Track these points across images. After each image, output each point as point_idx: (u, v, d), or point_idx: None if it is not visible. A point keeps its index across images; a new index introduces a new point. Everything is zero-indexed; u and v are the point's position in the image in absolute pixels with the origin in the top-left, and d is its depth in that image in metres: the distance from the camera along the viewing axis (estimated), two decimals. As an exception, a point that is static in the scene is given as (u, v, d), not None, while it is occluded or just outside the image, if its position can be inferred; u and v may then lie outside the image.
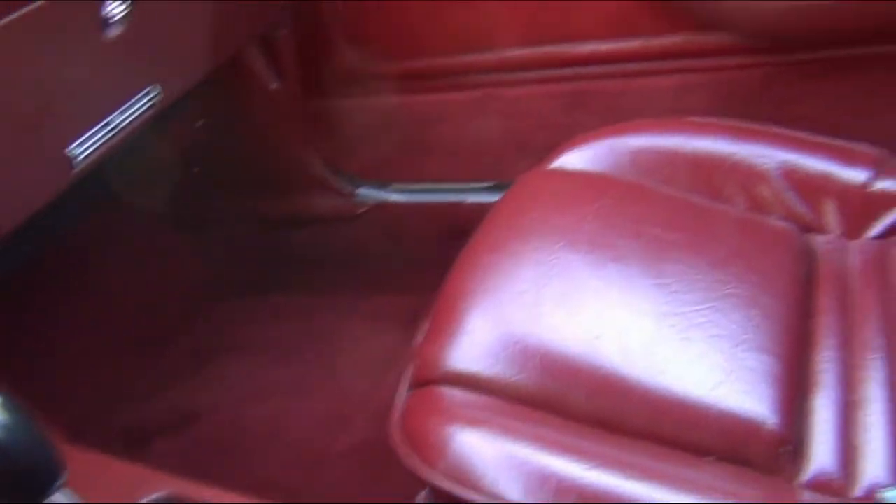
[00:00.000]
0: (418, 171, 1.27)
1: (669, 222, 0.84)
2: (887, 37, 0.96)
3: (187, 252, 1.35)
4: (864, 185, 0.88)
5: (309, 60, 1.23)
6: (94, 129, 0.83)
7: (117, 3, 0.82)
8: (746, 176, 0.91)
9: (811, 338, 0.75)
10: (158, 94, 0.92)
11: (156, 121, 0.95)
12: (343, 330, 1.25)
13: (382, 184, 1.30)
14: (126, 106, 0.87)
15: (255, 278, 1.35)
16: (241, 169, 1.31)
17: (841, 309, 0.78)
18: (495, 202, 0.93)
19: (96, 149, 0.83)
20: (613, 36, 1.08)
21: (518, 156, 1.15)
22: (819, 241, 0.87)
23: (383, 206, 1.29)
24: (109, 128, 0.85)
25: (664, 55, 1.07)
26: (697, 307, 0.74)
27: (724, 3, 1.00)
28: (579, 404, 0.69)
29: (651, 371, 0.70)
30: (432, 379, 0.73)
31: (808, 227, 0.88)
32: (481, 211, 0.91)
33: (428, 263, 0.91)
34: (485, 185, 1.23)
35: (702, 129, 0.96)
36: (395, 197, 1.29)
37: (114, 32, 0.83)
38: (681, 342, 0.72)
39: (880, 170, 0.88)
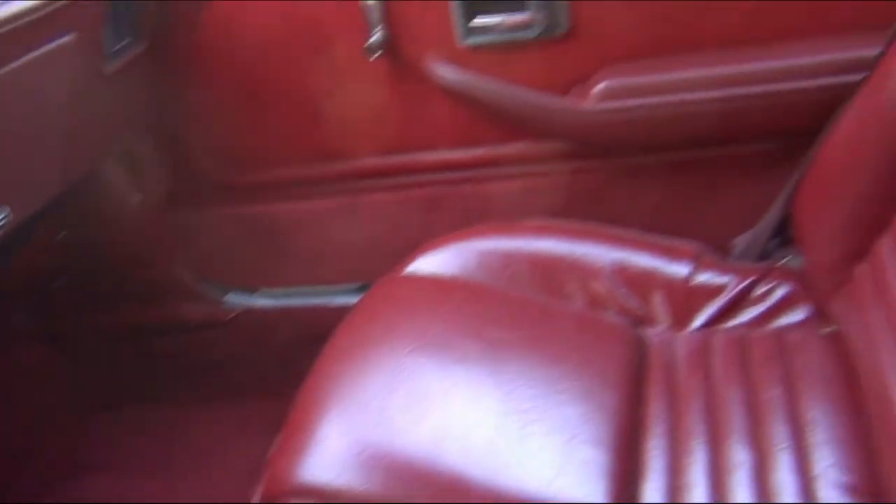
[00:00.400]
0: (285, 276, 1.29)
1: (511, 322, 0.89)
2: (701, 144, 1.07)
3: (53, 365, 1.32)
4: (687, 280, 0.96)
5: (173, 172, 1.25)
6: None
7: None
8: (583, 274, 0.98)
9: (641, 427, 0.80)
10: (6, 215, 0.92)
11: (9, 238, 0.94)
12: (212, 439, 1.24)
13: (250, 290, 1.31)
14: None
15: (123, 390, 1.33)
16: (105, 280, 1.30)
17: (668, 397, 0.84)
18: (351, 309, 0.96)
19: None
20: (462, 145, 1.15)
21: (380, 258, 1.19)
22: (649, 333, 0.94)
23: (251, 312, 1.30)
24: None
25: (509, 161, 1.15)
26: (535, 403, 0.79)
27: (559, 112, 1.09)
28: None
29: (491, 470, 0.73)
30: (283, 492, 0.74)
31: (640, 321, 0.95)
32: (347, 313, 0.95)
33: (296, 367, 0.92)
34: (350, 287, 1.27)
35: (542, 232, 1.03)
36: (262, 302, 1.31)
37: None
38: (519, 439, 0.76)
39: (699, 264, 0.97)
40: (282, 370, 1.23)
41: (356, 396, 0.80)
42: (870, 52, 0.85)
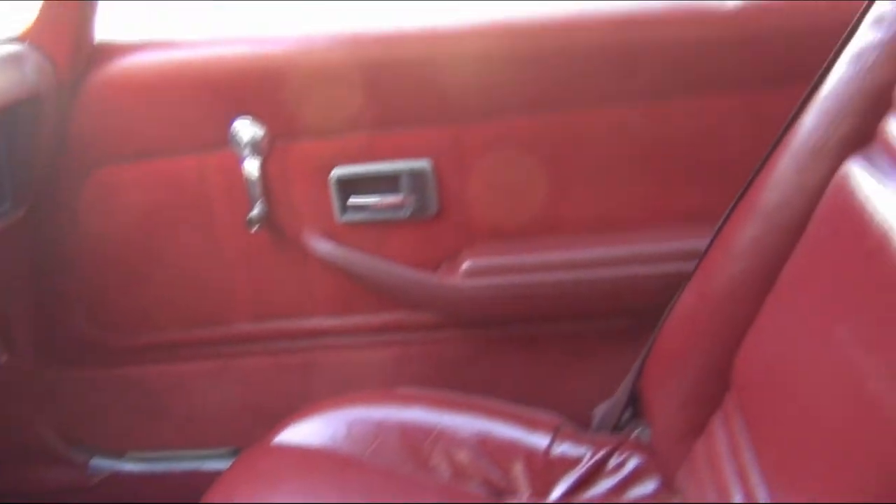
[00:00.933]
0: (155, 438, 1.26)
1: (372, 494, 0.90)
2: (559, 319, 1.14)
3: None
4: (546, 451, 1.00)
5: (43, 331, 1.23)
6: None
7: None
8: (448, 445, 1.00)
9: None
10: None
11: None
12: None
13: (118, 453, 1.27)
14: None
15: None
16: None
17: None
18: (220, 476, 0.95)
19: None
20: (336, 313, 1.19)
21: (253, 422, 1.18)
22: (510, 501, 0.96)
23: (117, 477, 1.26)
24: None
25: (381, 330, 1.19)
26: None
27: (429, 286, 1.15)
28: None
29: None
30: None
31: (501, 492, 0.97)
32: (217, 478, 0.93)
33: None
34: (221, 451, 1.25)
35: (411, 401, 1.05)
36: (129, 467, 1.27)
37: None
38: None
39: (558, 435, 1.01)
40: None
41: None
42: (701, 242, 0.95)
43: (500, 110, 1.08)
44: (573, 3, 1.08)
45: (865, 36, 0.79)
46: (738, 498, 0.78)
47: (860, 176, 0.71)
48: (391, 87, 1.08)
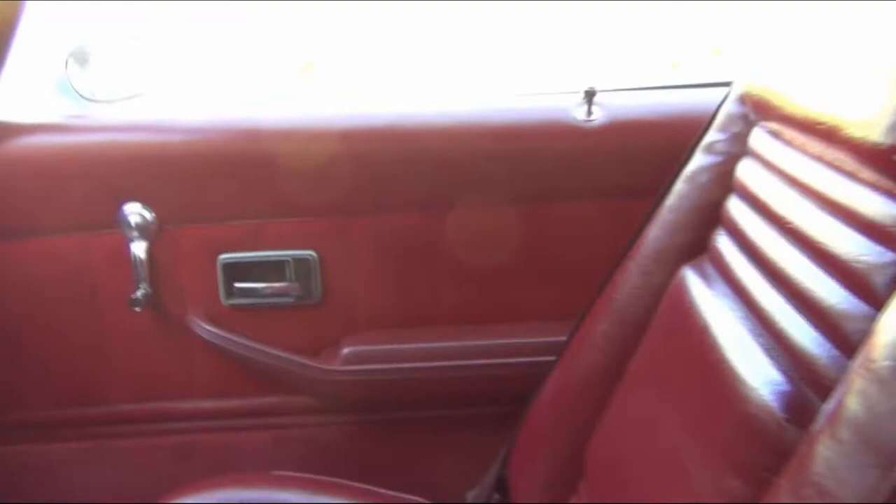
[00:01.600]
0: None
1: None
2: (434, 406, 1.19)
3: None
4: (416, 536, 1.03)
5: None
6: None
7: None
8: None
9: None
10: None
11: None
12: None
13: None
14: None
15: None
16: None
17: None
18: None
19: None
20: (216, 395, 1.20)
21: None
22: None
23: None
24: None
25: (261, 413, 1.21)
26: None
27: (309, 371, 1.18)
28: None
29: None
30: None
31: (371, 574, 0.99)
32: None
33: None
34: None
35: (285, 484, 1.07)
36: (-10, 553, 1.21)
37: None
38: None
39: (425, 521, 1.04)
40: None
41: None
42: (562, 337, 1.02)
43: (385, 207, 1.15)
44: (462, 107, 1.17)
45: (699, 159, 0.90)
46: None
47: (692, 281, 0.81)
48: (281, 179, 1.13)
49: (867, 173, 0.58)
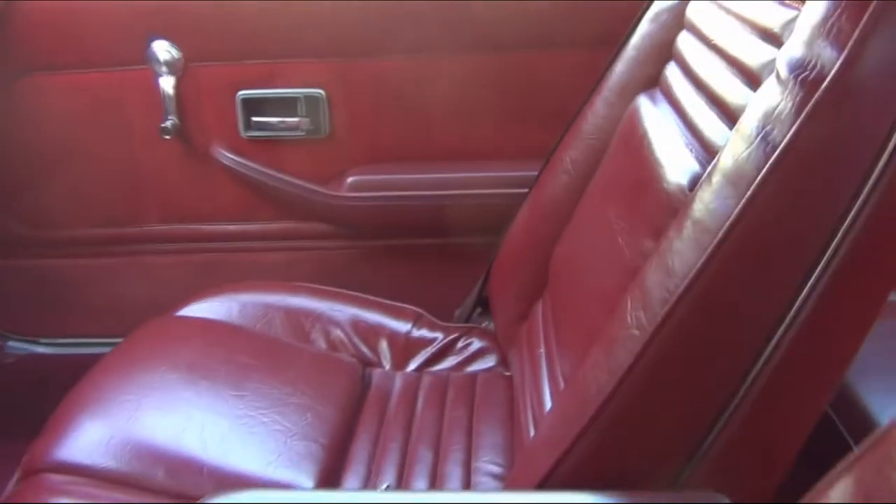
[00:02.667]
0: (66, 327, 1.40)
1: (258, 354, 1.07)
2: (426, 233, 1.33)
3: None
4: (407, 334, 1.20)
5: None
6: None
7: None
8: (326, 325, 1.18)
9: (351, 435, 1.00)
10: None
11: None
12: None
13: (32, 338, 1.41)
14: None
15: None
16: None
17: (379, 417, 1.04)
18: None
19: None
20: (237, 219, 1.36)
21: (158, 313, 1.34)
22: (374, 372, 1.15)
23: (30, 357, 1.39)
24: None
25: (275, 236, 1.36)
26: (265, 411, 0.96)
27: (318, 197, 1.33)
28: (160, 480, 0.86)
29: (222, 455, 0.90)
30: (39, 469, 0.87)
31: (368, 363, 1.16)
32: None
33: None
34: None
35: (295, 290, 1.23)
36: (41, 349, 1.40)
37: None
38: (248, 435, 0.93)
39: (417, 323, 1.21)
40: (55, 410, 1.33)
41: (111, 399, 0.95)
42: (532, 172, 1.16)
43: (381, 50, 1.27)
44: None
45: (659, 3, 1.01)
46: (543, 369, 0.99)
47: (643, 105, 0.93)
48: (292, 23, 1.25)
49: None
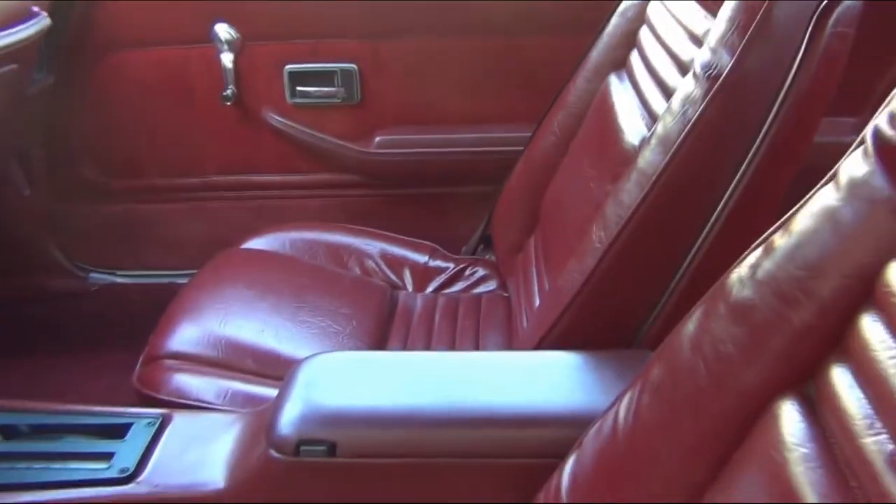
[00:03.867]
0: (141, 261, 1.68)
1: (309, 277, 1.36)
2: (441, 183, 1.61)
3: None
4: (426, 263, 1.48)
5: (58, 173, 1.62)
6: None
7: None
8: (360, 256, 1.46)
9: (386, 340, 1.28)
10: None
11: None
12: (75, 378, 1.58)
13: (111, 270, 1.69)
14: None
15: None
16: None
17: (406, 325, 1.33)
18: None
19: None
20: (283, 172, 1.63)
21: (218, 250, 1.62)
22: (400, 294, 1.43)
23: (111, 287, 1.67)
24: None
25: (315, 186, 1.64)
26: (320, 318, 1.24)
27: (350, 153, 1.60)
28: (249, 365, 1.15)
29: (293, 349, 1.18)
30: (157, 357, 1.15)
31: (394, 287, 1.44)
32: None
33: (140, 328, 1.32)
34: (191, 272, 1.67)
35: (334, 229, 1.51)
36: (120, 280, 1.68)
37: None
38: (310, 335, 1.21)
39: (433, 255, 1.49)
40: (133, 329, 1.61)
41: (205, 308, 1.23)
42: (527, 133, 1.43)
43: (404, 32, 1.53)
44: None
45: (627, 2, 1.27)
46: (534, 285, 1.27)
47: (613, 83, 1.20)
48: (331, 9, 1.51)
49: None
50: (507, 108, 1.57)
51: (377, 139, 1.59)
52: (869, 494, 0.45)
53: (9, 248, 1.61)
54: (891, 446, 0.44)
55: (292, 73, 1.55)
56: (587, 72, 1.31)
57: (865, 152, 0.53)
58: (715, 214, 0.86)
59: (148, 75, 1.55)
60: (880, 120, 0.52)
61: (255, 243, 1.46)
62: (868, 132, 0.53)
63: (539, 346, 0.95)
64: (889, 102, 0.53)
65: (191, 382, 1.10)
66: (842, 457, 0.48)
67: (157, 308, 1.51)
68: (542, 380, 0.86)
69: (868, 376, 0.48)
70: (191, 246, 1.66)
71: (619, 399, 0.68)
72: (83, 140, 1.60)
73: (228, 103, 1.54)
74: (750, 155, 0.82)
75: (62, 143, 1.60)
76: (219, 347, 1.16)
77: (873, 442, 0.45)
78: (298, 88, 1.56)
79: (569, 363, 0.88)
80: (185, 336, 1.18)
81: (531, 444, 0.78)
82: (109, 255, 1.68)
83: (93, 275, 1.68)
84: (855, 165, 0.53)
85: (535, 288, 1.23)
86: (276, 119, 1.58)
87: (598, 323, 0.92)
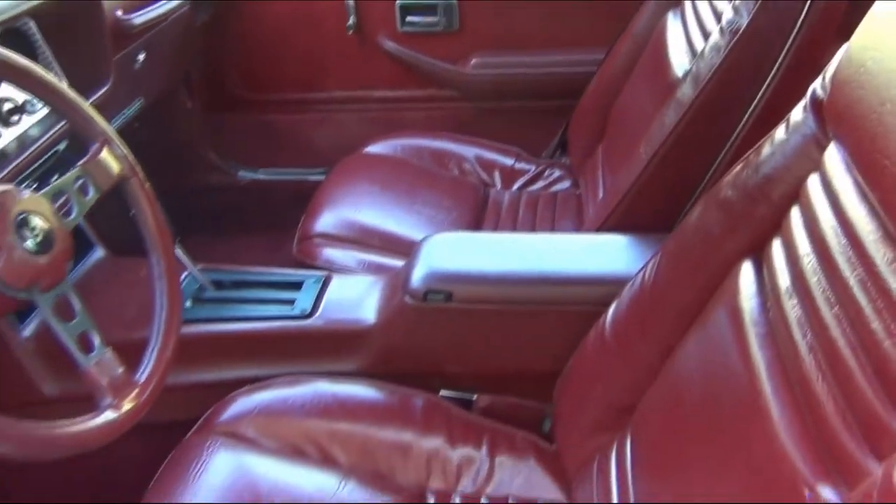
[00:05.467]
0: (279, 161, 2.04)
1: (418, 176, 1.68)
2: (526, 98, 1.89)
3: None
4: (512, 165, 1.78)
5: (211, 87, 1.97)
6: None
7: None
8: (458, 160, 1.78)
9: (480, 226, 1.60)
10: (141, 103, 1.62)
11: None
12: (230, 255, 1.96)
13: (255, 168, 2.05)
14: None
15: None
16: (160, 156, 2.00)
17: (496, 217, 1.65)
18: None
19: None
20: (394, 88, 1.94)
21: (341, 153, 1.95)
22: (492, 191, 1.74)
23: (256, 182, 2.04)
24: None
25: (422, 100, 1.95)
26: (430, 209, 1.57)
27: (451, 73, 1.89)
28: (376, 243, 1.49)
29: (411, 233, 1.51)
30: (309, 236, 1.51)
31: (486, 185, 1.75)
32: (319, 184, 1.71)
33: (285, 215, 1.67)
34: (321, 170, 2.02)
35: (437, 136, 1.82)
36: (262, 176, 2.05)
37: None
38: (420, 221, 1.54)
39: (518, 158, 1.79)
40: (276, 217, 1.98)
41: (338, 198, 1.58)
42: (600, 55, 1.69)
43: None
44: None
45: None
46: (600, 190, 1.56)
47: (670, 21, 1.45)
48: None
49: None
50: (582, 34, 1.82)
51: (473, 61, 1.87)
52: (776, 319, 0.74)
53: (175, 151, 1.99)
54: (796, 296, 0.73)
55: (402, 7, 1.84)
56: (650, 7, 1.56)
57: (805, 104, 0.80)
58: (732, 137, 1.13)
59: (283, 10, 1.87)
60: (816, 82, 0.80)
61: (373, 148, 1.79)
62: (809, 90, 0.80)
63: (600, 229, 1.25)
64: (825, 70, 0.80)
65: (335, 255, 1.45)
66: (773, 294, 0.78)
67: (293, 199, 1.87)
68: (600, 253, 1.18)
69: (790, 248, 0.78)
70: (319, 149, 2.00)
71: (647, 263, 0.99)
72: (233, 63, 1.94)
73: (350, 32, 1.85)
74: (760, 93, 1.08)
75: (217, 66, 1.94)
76: (353, 229, 1.51)
77: (788, 294, 0.75)
78: (407, 19, 1.85)
79: (620, 242, 1.19)
80: (328, 221, 1.53)
81: (589, 296, 1.10)
82: (253, 156, 2.04)
83: (241, 172, 2.04)
84: (798, 112, 0.81)
85: (601, 185, 1.53)
86: (388, 44, 1.89)
87: (643, 214, 1.22)
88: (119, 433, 0.74)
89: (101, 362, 0.75)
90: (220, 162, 2.03)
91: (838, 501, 0.56)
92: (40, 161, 1.14)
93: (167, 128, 1.94)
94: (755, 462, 0.66)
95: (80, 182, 0.80)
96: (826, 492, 0.58)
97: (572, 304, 1.11)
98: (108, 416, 0.72)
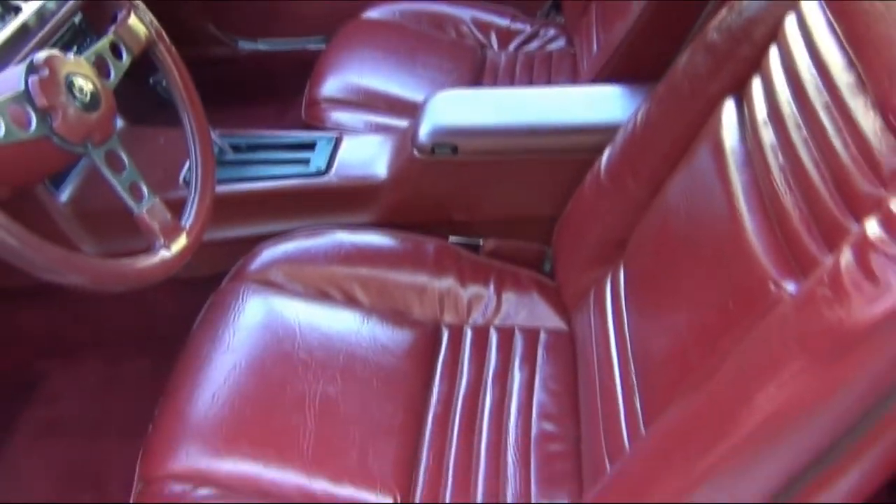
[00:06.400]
0: (277, 31, 2.06)
1: (417, 40, 1.72)
2: None
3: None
4: (508, 26, 1.82)
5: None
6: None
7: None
8: (456, 22, 1.81)
9: (480, 83, 1.66)
10: None
11: None
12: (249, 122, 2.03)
13: (254, 39, 2.08)
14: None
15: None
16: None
17: (494, 75, 1.70)
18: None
19: None
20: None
21: (339, 20, 1.97)
22: (489, 52, 1.79)
23: (257, 53, 2.07)
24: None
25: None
26: (432, 70, 1.63)
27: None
28: (381, 105, 1.56)
29: (410, 93, 1.57)
30: (316, 101, 1.57)
31: (483, 46, 1.79)
32: (319, 52, 1.75)
33: (288, 83, 1.72)
34: (320, 38, 2.04)
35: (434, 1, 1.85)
36: (262, 47, 2.07)
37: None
38: (422, 83, 1.59)
39: (513, 18, 1.82)
40: (277, 85, 2.02)
41: (343, 64, 1.63)
42: None
43: None
44: None
45: None
46: (594, 44, 1.60)
47: None
48: None
49: None
50: None
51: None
52: (753, 146, 0.83)
53: (175, 25, 1.99)
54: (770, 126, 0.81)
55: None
56: None
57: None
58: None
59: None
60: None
61: (371, 13, 1.82)
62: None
63: (595, 80, 1.32)
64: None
65: (343, 117, 1.52)
66: (751, 125, 0.86)
67: (293, 68, 1.90)
68: (595, 103, 1.25)
69: (768, 83, 0.85)
70: (317, 16, 2.02)
71: (638, 108, 1.06)
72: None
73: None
74: None
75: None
76: (359, 93, 1.57)
77: (764, 124, 0.83)
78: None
79: (614, 92, 1.26)
80: (334, 86, 1.58)
81: (585, 144, 1.18)
82: (252, 27, 2.06)
83: (241, 43, 2.07)
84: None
85: (595, 40, 1.58)
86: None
87: (636, 65, 1.28)
88: (173, 270, 0.83)
89: (152, 209, 0.83)
90: (220, 34, 2.05)
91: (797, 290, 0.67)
92: (59, 34, 1.19)
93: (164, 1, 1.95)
94: (731, 270, 0.76)
95: (114, 47, 0.87)
96: (789, 285, 0.68)
97: (569, 152, 1.19)
98: (164, 254, 0.82)
